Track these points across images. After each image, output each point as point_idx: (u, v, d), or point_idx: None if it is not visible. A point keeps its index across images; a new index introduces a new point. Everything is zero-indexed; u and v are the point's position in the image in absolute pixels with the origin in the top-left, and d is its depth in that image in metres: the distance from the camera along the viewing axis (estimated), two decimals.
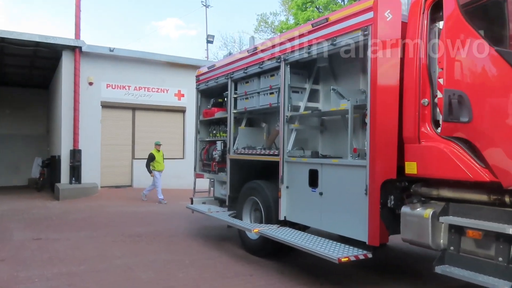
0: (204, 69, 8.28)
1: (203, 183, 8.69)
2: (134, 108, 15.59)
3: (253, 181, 6.57)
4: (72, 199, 12.77)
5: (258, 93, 6.56)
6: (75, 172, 13.82)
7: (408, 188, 4.38)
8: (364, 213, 4.40)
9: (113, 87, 15.03)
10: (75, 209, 10.98)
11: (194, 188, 8.71)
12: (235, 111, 7.16)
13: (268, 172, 6.58)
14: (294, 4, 29.84)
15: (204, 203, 8.34)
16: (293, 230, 5.56)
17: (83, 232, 7.96)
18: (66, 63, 14.06)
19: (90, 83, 14.41)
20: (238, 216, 6.76)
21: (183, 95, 16.28)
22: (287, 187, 5.75)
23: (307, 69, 6.07)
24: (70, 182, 13.77)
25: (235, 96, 7.14)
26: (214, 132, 8.20)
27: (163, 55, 15.79)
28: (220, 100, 8.09)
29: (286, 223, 5.82)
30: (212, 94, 8.32)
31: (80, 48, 13.99)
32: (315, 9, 28.79)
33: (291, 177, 5.69)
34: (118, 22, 60.73)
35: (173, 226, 8.65)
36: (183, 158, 16.26)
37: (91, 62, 14.49)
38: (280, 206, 5.79)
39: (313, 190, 5.26)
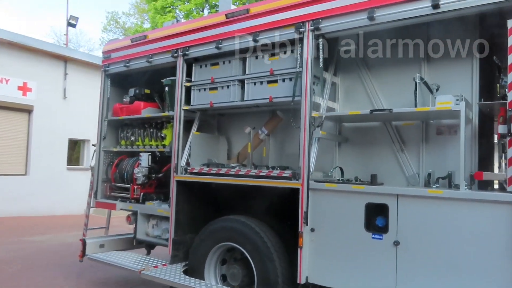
0: (123, 42, 5.40)
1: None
2: None
3: (231, 217, 4.17)
4: None
5: (241, 81, 4.27)
6: None
7: None
8: None
9: None
10: None
11: (87, 224, 5.65)
12: (187, 108, 4.65)
13: (248, 204, 4.35)
14: (152, 7, 27.61)
15: (102, 246, 5.47)
16: None
17: None
18: None
19: None
20: (195, 271, 4.26)
21: (30, 90, 12.07)
22: (311, 230, 3.61)
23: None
24: None
25: (189, 84, 4.64)
26: (133, 139, 5.38)
27: (4, 31, 11.39)
28: (147, 91, 5.39)
29: None
30: (132, 81, 5.53)
31: None
32: (176, 14, 27.02)
33: (321, 214, 3.58)
34: None
35: None
36: (25, 175, 11.92)
37: None
38: (300, 261, 3.59)
39: (377, 236, 3.28)
